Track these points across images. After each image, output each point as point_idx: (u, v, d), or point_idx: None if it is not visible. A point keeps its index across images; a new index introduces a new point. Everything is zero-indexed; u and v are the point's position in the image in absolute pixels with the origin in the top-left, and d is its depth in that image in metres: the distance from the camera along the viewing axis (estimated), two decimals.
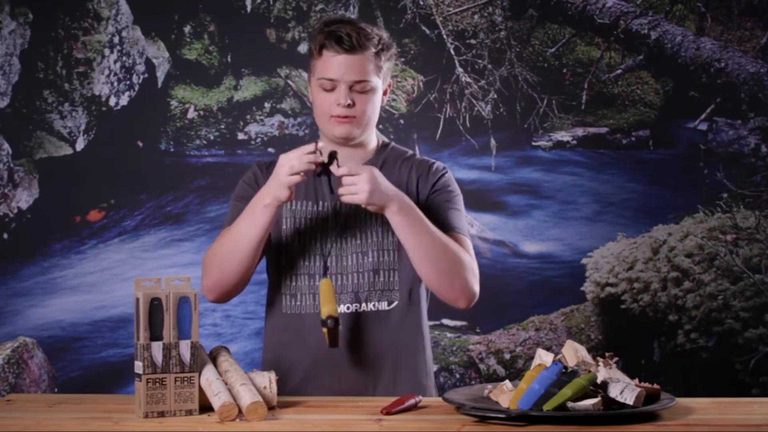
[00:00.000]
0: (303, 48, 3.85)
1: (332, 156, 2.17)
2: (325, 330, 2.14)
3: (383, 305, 2.30)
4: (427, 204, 2.32)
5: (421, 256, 2.22)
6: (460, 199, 2.37)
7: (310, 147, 2.16)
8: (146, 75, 3.86)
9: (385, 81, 2.32)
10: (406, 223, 2.19)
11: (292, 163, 2.15)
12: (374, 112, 2.30)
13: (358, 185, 2.14)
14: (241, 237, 2.23)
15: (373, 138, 2.37)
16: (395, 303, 2.31)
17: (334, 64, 2.25)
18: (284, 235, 2.32)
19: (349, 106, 2.25)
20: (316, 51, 2.28)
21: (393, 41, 2.35)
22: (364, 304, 2.29)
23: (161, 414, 1.99)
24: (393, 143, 2.42)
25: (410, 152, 2.41)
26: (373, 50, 2.27)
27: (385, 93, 2.34)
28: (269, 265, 2.37)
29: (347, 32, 2.24)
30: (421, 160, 2.39)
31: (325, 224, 2.32)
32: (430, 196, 2.33)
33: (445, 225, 2.30)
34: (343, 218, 2.31)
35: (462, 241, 2.31)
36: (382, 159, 2.35)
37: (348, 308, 2.29)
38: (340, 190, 2.16)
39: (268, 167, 2.36)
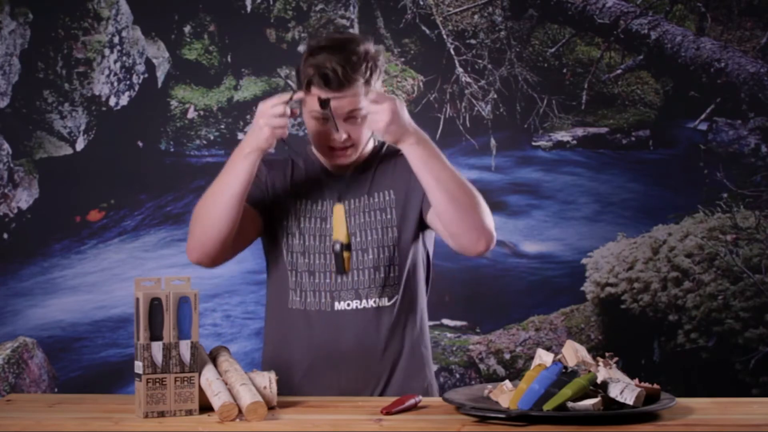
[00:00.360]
0: (303, 48, 3.85)
1: (326, 102, 2.17)
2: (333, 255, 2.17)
3: (384, 301, 2.30)
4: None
5: (441, 191, 2.17)
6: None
7: (286, 96, 2.15)
8: (146, 75, 3.86)
9: (378, 87, 2.30)
10: (424, 155, 2.17)
11: (271, 110, 2.14)
12: (369, 132, 2.30)
13: (378, 114, 2.13)
14: (222, 189, 2.21)
15: (369, 143, 2.37)
16: (396, 298, 2.31)
17: None
18: (288, 232, 2.32)
19: (345, 139, 2.24)
20: (303, 84, 2.24)
21: (381, 48, 2.31)
22: (365, 301, 2.30)
23: (161, 414, 1.99)
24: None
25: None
26: (362, 80, 2.22)
27: None
28: (270, 260, 2.37)
29: (333, 68, 2.19)
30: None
31: (325, 223, 2.32)
32: None
33: None
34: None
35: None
36: (379, 157, 2.36)
37: (349, 305, 2.30)
38: (369, 117, 2.15)
39: (272, 163, 2.36)
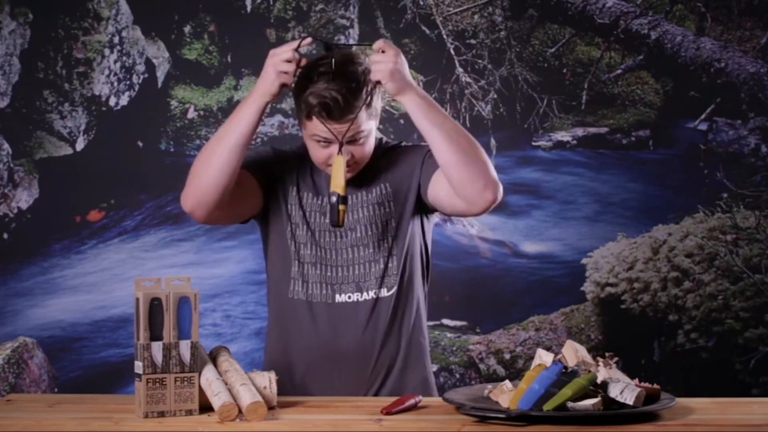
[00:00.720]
0: (303, 49, 3.85)
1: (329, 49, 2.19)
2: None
3: (383, 292, 2.31)
4: (421, 169, 2.31)
5: (444, 142, 2.14)
6: None
7: (296, 43, 2.15)
8: (146, 75, 3.86)
9: (377, 112, 2.28)
10: (425, 105, 2.16)
11: (279, 55, 2.14)
12: (372, 146, 2.29)
13: (382, 63, 2.13)
14: (225, 133, 2.19)
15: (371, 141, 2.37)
16: (394, 288, 2.31)
17: (325, 129, 2.20)
18: (292, 222, 2.32)
19: (348, 161, 2.22)
20: (303, 113, 2.22)
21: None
22: (365, 293, 2.31)
23: (161, 414, 1.99)
24: (384, 137, 2.42)
25: (403, 142, 2.41)
26: (364, 104, 2.20)
27: (377, 116, 2.31)
28: (272, 249, 2.36)
29: (333, 97, 2.16)
30: (412, 144, 2.40)
31: (325, 218, 2.32)
32: (426, 160, 2.31)
33: None
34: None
35: None
36: (380, 152, 2.36)
37: (350, 297, 2.31)
38: (372, 66, 2.15)
39: (283, 153, 2.37)
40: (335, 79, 2.18)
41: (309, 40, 2.19)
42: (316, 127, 2.21)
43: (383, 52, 2.15)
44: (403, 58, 2.17)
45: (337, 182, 2.14)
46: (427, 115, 2.16)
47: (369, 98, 2.20)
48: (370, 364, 2.31)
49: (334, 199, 2.13)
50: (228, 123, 2.21)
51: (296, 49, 2.16)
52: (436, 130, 2.15)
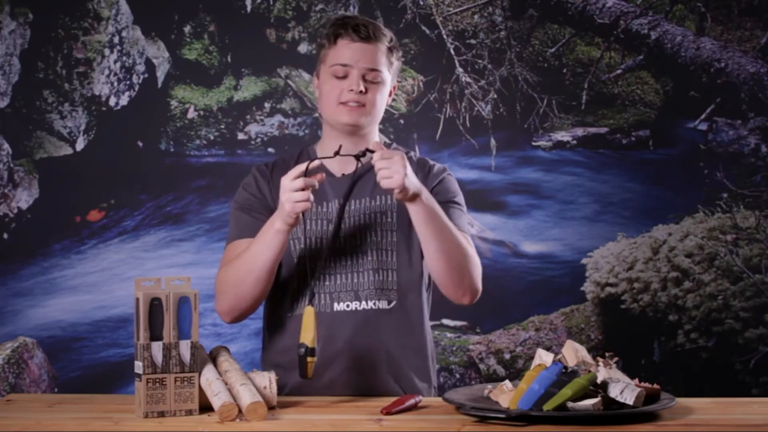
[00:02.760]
0: (303, 48, 3.85)
1: (363, 154, 2.20)
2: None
3: (383, 304, 2.30)
4: None
5: (438, 250, 2.22)
6: (461, 199, 2.39)
7: (303, 167, 2.15)
8: (146, 75, 3.86)
9: (393, 80, 2.35)
10: (430, 216, 2.20)
11: (290, 185, 2.14)
12: (382, 106, 2.33)
13: (392, 168, 2.13)
14: (256, 260, 2.23)
15: (376, 135, 2.38)
16: (394, 302, 2.31)
17: (348, 50, 2.28)
18: (292, 237, 2.32)
19: (360, 92, 2.26)
20: (330, 40, 2.31)
21: (399, 45, 2.39)
22: (364, 303, 2.30)
23: (161, 414, 1.99)
24: (394, 143, 2.43)
25: (410, 152, 2.41)
26: (387, 45, 2.32)
27: (390, 93, 2.36)
28: None
29: (363, 23, 2.30)
30: (420, 160, 2.40)
31: (329, 225, 2.32)
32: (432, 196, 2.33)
33: None
34: (342, 222, 2.31)
35: (467, 239, 2.32)
36: None
37: (348, 306, 2.30)
38: (378, 173, 2.14)
39: (272, 169, 2.37)
40: (364, 18, 2.35)
41: (317, 163, 2.18)
42: (338, 52, 2.29)
43: (387, 158, 2.14)
44: (406, 160, 2.16)
45: (307, 335, 2.12)
46: (429, 223, 2.21)
47: (392, 48, 2.33)
48: (368, 375, 2.29)
49: (302, 351, 2.11)
50: (255, 248, 2.24)
51: (306, 173, 2.15)
52: (434, 241, 2.22)
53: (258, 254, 2.23)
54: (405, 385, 2.31)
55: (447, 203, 2.34)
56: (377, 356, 2.29)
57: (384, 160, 2.13)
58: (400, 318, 2.32)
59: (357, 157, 2.21)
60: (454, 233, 2.24)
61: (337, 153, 2.21)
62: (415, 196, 2.17)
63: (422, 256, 2.35)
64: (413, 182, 2.16)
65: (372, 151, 2.18)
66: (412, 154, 2.41)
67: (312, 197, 2.15)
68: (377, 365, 2.29)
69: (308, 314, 2.14)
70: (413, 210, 2.20)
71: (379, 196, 2.33)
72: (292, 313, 2.32)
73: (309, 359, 2.11)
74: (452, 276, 2.26)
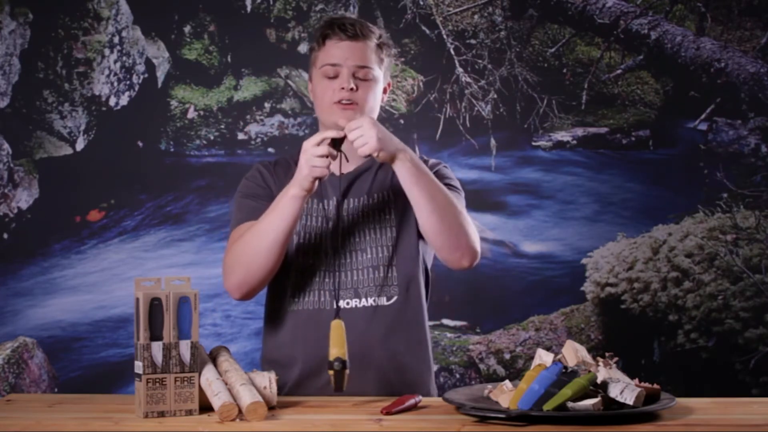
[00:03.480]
0: (303, 48, 3.85)
1: (341, 140, 2.18)
2: (331, 372, 2.07)
3: (382, 300, 2.31)
4: None
5: (429, 209, 2.20)
6: (458, 184, 2.39)
7: (331, 133, 2.16)
8: (146, 75, 3.86)
9: (385, 77, 2.34)
10: (415, 172, 2.19)
11: (312, 150, 2.14)
12: (375, 103, 2.32)
13: (364, 133, 2.13)
14: (270, 230, 2.21)
15: None
16: (394, 298, 2.31)
17: (337, 50, 2.28)
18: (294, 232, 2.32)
19: (352, 90, 2.26)
20: (319, 42, 2.31)
21: (392, 43, 2.37)
22: (363, 300, 2.30)
23: (161, 414, 1.99)
24: None
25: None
26: (375, 41, 2.31)
27: (384, 91, 2.36)
28: None
29: (350, 22, 2.29)
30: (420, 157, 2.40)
31: (325, 222, 2.32)
32: None
33: None
34: (341, 217, 2.32)
35: (460, 202, 2.32)
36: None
37: (348, 303, 2.30)
38: (354, 143, 2.15)
39: (275, 166, 2.37)
40: (352, 18, 2.36)
41: (342, 132, 2.18)
42: (327, 52, 2.28)
43: (354, 122, 2.15)
44: (374, 120, 2.17)
45: (339, 349, 2.08)
46: (417, 181, 2.19)
47: (381, 44, 2.31)
48: (369, 372, 2.29)
49: (338, 365, 2.06)
50: (268, 218, 2.22)
51: (329, 142, 2.15)
52: (424, 198, 2.19)
53: (270, 223, 2.20)
54: (405, 381, 2.31)
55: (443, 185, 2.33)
56: (378, 353, 2.30)
57: (356, 130, 2.14)
58: (400, 314, 2.32)
59: (336, 145, 2.18)
60: (445, 192, 2.22)
61: (339, 145, 2.19)
62: (399, 154, 2.17)
63: (423, 256, 2.36)
64: (391, 141, 2.16)
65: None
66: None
67: (327, 171, 2.15)
68: (378, 362, 2.30)
69: (337, 328, 2.10)
70: (399, 169, 2.18)
71: (377, 193, 2.33)
72: (291, 308, 2.32)
73: (346, 372, 2.07)
74: (449, 235, 2.22)
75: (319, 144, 2.14)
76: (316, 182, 2.17)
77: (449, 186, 2.34)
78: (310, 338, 2.30)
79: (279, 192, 2.30)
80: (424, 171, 2.20)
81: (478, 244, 2.27)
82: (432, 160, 2.41)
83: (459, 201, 2.30)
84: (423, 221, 2.22)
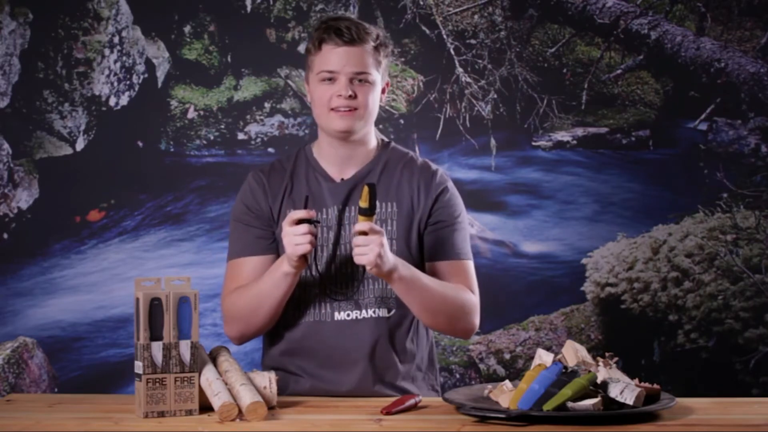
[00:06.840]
0: (303, 48, 3.85)
1: (371, 190, 2.17)
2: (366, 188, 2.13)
3: (383, 312, 2.30)
4: (428, 222, 2.31)
5: (422, 310, 2.28)
6: (463, 216, 2.37)
7: (302, 212, 2.17)
8: (146, 75, 3.86)
9: (383, 78, 2.32)
10: (407, 287, 2.23)
11: (291, 231, 2.17)
12: (374, 106, 2.30)
13: (368, 248, 2.14)
14: (266, 298, 2.27)
15: (373, 137, 2.37)
16: (394, 311, 2.31)
17: (334, 56, 2.26)
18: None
19: (350, 97, 2.25)
20: (315, 46, 2.29)
21: (390, 40, 2.36)
22: (364, 311, 2.29)
23: (161, 414, 1.99)
24: (393, 143, 2.42)
25: (411, 153, 2.40)
26: (372, 44, 2.28)
27: (383, 91, 2.34)
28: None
29: (346, 26, 2.26)
30: (423, 166, 2.37)
31: (326, 232, 2.31)
32: (433, 214, 2.32)
33: (448, 252, 2.32)
34: (343, 226, 2.31)
35: (464, 269, 2.34)
36: (383, 161, 2.35)
37: (348, 315, 2.29)
38: (354, 250, 2.17)
39: (269, 174, 2.36)
40: (348, 19, 2.32)
41: (313, 213, 2.19)
42: (323, 58, 2.26)
43: (366, 236, 2.15)
44: (385, 238, 2.17)
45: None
46: (409, 292, 2.25)
47: (379, 46, 2.29)
48: (368, 383, 2.29)
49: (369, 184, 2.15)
50: (265, 285, 2.27)
51: (306, 219, 2.18)
52: (418, 306, 2.27)
53: (267, 294, 2.26)
54: (408, 393, 2.30)
55: (450, 226, 2.33)
56: (379, 365, 2.29)
57: (362, 237, 2.14)
58: (400, 326, 2.32)
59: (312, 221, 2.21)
60: (439, 291, 2.26)
61: (305, 203, 2.24)
62: (391, 273, 2.18)
63: (422, 261, 2.35)
64: (387, 261, 2.16)
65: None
66: (413, 155, 2.40)
67: (314, 240, 2.18)
68: (379, 374, 2.29)
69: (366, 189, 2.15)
70: (392, 284, 2.23)
71: (380, 203, 2.31)
72: (291, 321, 2.32)
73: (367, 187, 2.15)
74: (444, 327, 2.35)
75: (296, 223, 2.16)
76: (307, 256, 2.20)
77: (455, 224, 2.34)
78: (310, 350, 2.30)
79: (273, 205, 2.30)
80: (416, 282, 2.24)
81: (474, 323, 2.35)
82: (440, 174, 2.37)
83: (465, 271, 2.37)
84: (417, 316, 2.32)
